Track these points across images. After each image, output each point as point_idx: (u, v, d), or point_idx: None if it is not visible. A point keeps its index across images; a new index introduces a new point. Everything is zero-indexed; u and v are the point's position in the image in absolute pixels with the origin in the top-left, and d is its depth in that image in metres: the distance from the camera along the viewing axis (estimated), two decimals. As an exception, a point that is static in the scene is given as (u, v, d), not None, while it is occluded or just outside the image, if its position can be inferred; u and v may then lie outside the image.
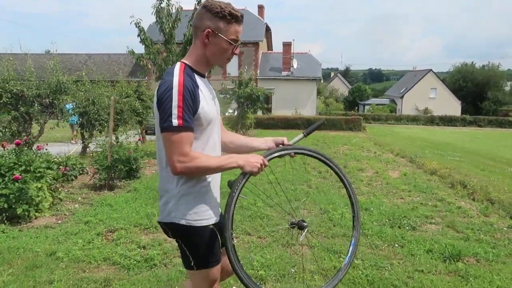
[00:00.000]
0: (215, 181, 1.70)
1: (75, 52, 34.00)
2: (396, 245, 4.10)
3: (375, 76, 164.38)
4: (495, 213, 5.81)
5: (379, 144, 16.29)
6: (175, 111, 1.47)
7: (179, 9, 8.93)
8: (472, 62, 52.21)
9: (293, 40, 29.49)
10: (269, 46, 34.92)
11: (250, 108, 16.84)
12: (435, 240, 4.24)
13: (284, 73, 29.31)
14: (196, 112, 1.54)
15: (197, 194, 1.61)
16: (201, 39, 1.60)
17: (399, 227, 4.76)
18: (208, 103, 1.62)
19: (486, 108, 45.97)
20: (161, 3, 8.58)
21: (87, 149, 9.99)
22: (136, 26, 8.39)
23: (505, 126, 36.71)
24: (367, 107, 46.38)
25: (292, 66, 29.09)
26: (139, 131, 13.88)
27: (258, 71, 29.85)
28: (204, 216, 1.63)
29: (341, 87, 60.98)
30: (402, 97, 44.78)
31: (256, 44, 29.39)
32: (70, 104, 9.47)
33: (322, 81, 32.88)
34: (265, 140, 1.94)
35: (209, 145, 1.65)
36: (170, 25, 9.10)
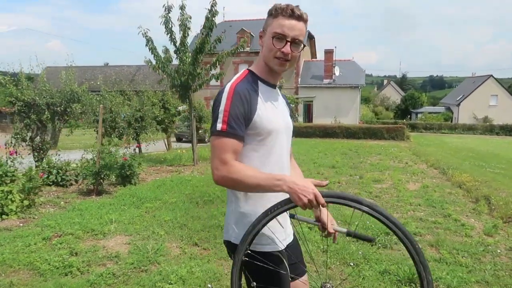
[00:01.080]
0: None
1: (127, 64, 35.86)
2: (351, 263, 3.73)
3: (436, 83, 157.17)
4: (505, 232, 5.20)
5: (417, 154, 15.37)
6: (221, 115, 1.41)
7: (188, 18, 9.00)
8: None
9: (335, 47, 28.77)
10: (313, 54, 34.53)
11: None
12: (399, 260, 3.80)
13: (326, 80, 28.72)
14: (251, 119, 1.44)
15: (255, 215, 1.44)
16: (259, 42, 1.57)
17: (372, 244, 4.35)
18: (269, 112, 1.50)
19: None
20: (169, 12, 8.71)
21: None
22: (143, 36, 8.60)
23: None
24: (419, 116, 44.08)
25: (334, 74, 28.43)
26: (164, 139, 14.23)
27: (299, 79, 29.59)
28: (264, 241, 1.47)
29: (394, 95, 58.69)
30: (458, 105, 42.05)
31: (297, 52, 29.13)
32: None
33: (362, 87, 31.77)
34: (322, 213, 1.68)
35: (271, 161, 1.50)
36: (182, 34, 9.22)
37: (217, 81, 10.14)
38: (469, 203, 6.98)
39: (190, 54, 9.25)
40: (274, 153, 1.51)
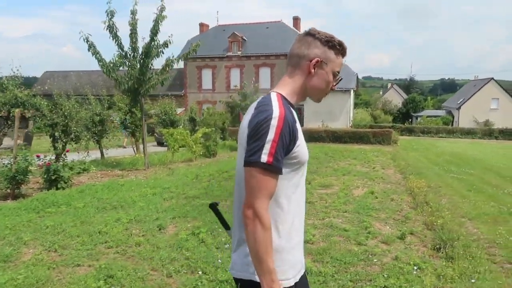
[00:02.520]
0: (300, 237, 1.53)
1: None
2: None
3: (447, 86, 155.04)
4: (411, 240, 5.12)
5: (394, 159, 15.19)
6: (268, 145, 1.30)
7: (133, 23, 9.02)
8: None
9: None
10: (308, 58, 34.38)
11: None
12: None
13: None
14: (291, 150, 1.38)
15: (282, 249, 1.42)
16: (306, 68, 1.48)
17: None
18: (303, 141, 1.46)
19: (561, 121, 40.99)
20: (112, 17, 8.74)
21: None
22: (84, 41, 8.64)
23: None
24: (418, 119, 43.54)
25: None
26: (133, 143, 14.28)
27: (290, 83, 29.46)
28: (287, 275, 1.44)
29: (396, 98, 58.14)
30: (458, 108, 41.42)
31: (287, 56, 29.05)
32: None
33: (356, 91, 31.53)
34: None
35: (299, 190, 1.48)
36: (131, 39, 9.24)
37: (162, 86, 10.11)
38: (404, 210, 6.86)
39: (138, 59, 9.24)
40: (303, 181, 1.51)
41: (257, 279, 1.37)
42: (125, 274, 3.45)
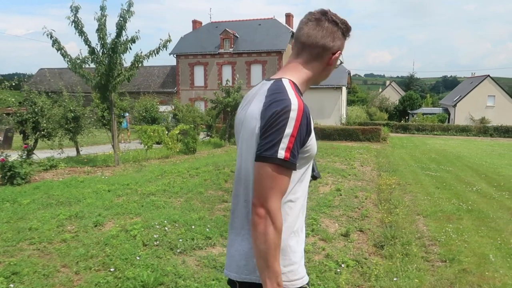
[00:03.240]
0: (304, 233, 1.45)
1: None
2: None
3: (449, 83, 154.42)
4: (365, 235, 5.11)
5: (378, 156, 15.15)
6: (285, 140, 1.19)
7: (99, 18, 8.93)
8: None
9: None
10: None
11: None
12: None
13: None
14: (305, 143, 1.27)
15: (291, 247, 1.34)
16: (327, 60, 1.39)
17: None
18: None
19: (559, 118, 40.72)
20: (77, 13, 8.66)
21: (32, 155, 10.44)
22: (48, 37, 8.57)
23: None
24: (415, 117, 43.32)
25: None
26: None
27: (281, 80, 29.35)
28: (300, 274, 1.35)
29: (394, 96, 57.90)
30: (454, 105, 41.20)
31: (279, 53, 28.96)
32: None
33: (349, 88, 31.41)
34: None
35: (303, 186, 1.39)
36: (99, 35, 9.16)
37: (128, 82, 10.04)
38: (364, 207, 6.82)
39: (106, 55, 9.17)
40: (308, 175, 1.41)
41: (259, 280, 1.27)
42: (31, 271, 3.40)
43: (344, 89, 28.55)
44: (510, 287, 3.65)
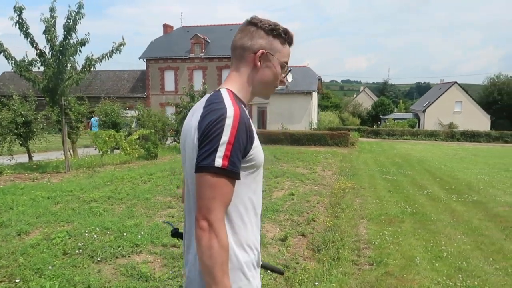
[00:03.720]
0: (258, 248, 1.36)
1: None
2: None
3: (423, 90, 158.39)
4: (306, 240, 5.06)
5: (343, 161, 15.28)
6: (222, 148, 1.15)
7: (46, 19, 8.67)
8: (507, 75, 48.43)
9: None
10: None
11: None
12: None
13: (279, 87, 28.50)
14: (248, 152, 1.23)
15: (243, 263, 1.26)
16: (251, 61, 1.34)
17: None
18: (258, 141, 1.32)
19: (523, 123, 42.35)
20: (21, 13, 8.38)
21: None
22: (-10, 38, 8.26)
23: (536, 142, 33.32)
24: (384, 122, 44.15)
25: (287, 80, 28.27)
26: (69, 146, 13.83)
27: (252, 85, 29.40)
28: None
29: (367, 102, 58.94)
30: (424, 111, 42.24)
31: (250, 58, 29.00)
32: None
33: (320, 93, 31.78)
34: None
35: (258, 196, 1.34)
36: (47, 37, 8.89)
37: (77, 86, 9.78)
38: (313, 212, 6.80)
39: (54, 58, 8.89)
40: (260, 186, 1.35)
41: None
42: None
43: (314, 95, 28.79)
44: (427, 290, 3.66)
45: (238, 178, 1.20)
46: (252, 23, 1.35)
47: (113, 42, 9.37)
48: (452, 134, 35.69)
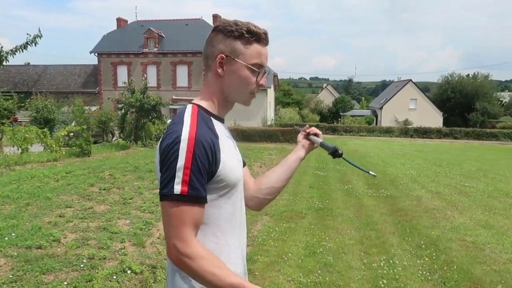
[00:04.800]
0: (240, 271, 1.28)
1: (34, 63, 33.95)
2: None
3: (388, 87, 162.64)
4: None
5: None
6: (179, 173, 1.09)
7: None
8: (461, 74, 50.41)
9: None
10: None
11: (144, 118, 15.97)
12: None
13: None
14: (215, 172, 1.15)
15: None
16: (214, 69, 1.23)
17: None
18: (232, 158, 1.23)
19: (473, 120, 44.03)
20: None
21: None
22: None
23: (483, 138, 34.80)
24: (341, 119, 44.94)
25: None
26: None
27: (207, 82, 29.07)
28: None
29: (329, 98, 59.79)
30: (381, 108, 43.24)
31: (204, 54, 28.66)
32: None
33: (279, 90, 31.93)
34: (299, 146, 1.63)
35: (236, 217, 1.27)
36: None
37: None
38: None
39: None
40: (239, 206, 1.27)
41: None
42: None
43: (269, 91, 28.80)
44: None
45: (204, 201, 1.13)
46: (214, 28, 1.24)
47: (27, 33, 8.90)
48: (406, 131, 36.73)
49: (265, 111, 27.47)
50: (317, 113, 48.80)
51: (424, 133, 36.08)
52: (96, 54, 29.53)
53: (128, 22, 32.55)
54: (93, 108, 22.55)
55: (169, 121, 28.23)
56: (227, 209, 1.22)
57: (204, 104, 1.24)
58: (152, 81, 29.59)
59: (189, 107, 1.22)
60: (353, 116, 43.93)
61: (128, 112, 15.93)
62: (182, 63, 28.99)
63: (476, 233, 5.37)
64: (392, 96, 43.06)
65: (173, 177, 1.09)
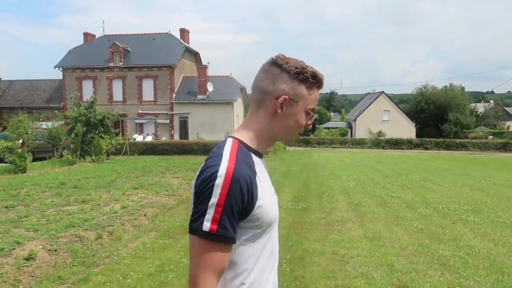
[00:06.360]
0: None
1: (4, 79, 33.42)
2: None
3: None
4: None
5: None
6: (211, 210, 1.03)
7: None
8: (433, 85, 51.27)
9: (208, 63, 28.78)
10: (202, 70, 34.17)
11: (91, 133, 15.65)
12: None
13: (200, 96, 28.26)
14: (250, 211, 1.09)
15: None
16: (272, 108, 1.18)
17: None
18: (270, 197, 1.16)
19: (447, 130, 44.57)
20: None
21: None
22: None
23: (452, 148, 35.16)
24: (316, 132, 45.07)
25: (208, 90, 28.08)
26: None
27: (174, 95, 28.92)
28: None
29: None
30: (355, 120, 43.54)
31: (170, 68, 28.56)
32: None
33: (247, 104, 31.90)
34: None
35: (264, 260, 1.17)
36: None
37: None
38: (138, 220, 6.45)
39: None
40: (271, 245, 1.20)
41: None
42: None
43: (236, 104, 28.74)
44: None
45: (233, 242, 1.09)
46: (277, 64, 1.20)
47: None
48: (377, 142, 36.94)
49: (231, 124, 27.31)
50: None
51: (395, 144, 36.32)
52: (60, 68, 29.18)
53: (96, 37, 32.34)
54: (57, 124, 22.11)
55: (138, 137, 27.72)
56: (258, 248, 1.17)
57: (245, 138, 1.20)
58: (118, 95, 29.37)
59: (229, 141, 1.18)
60: (328, 128, 44.15)
61: (76, 127, 15.60)
62: (148, 77, 28.80)
63: (355, 246, 5.21)
64: (366, 108, 43.40)
65: (204, 213, 1.06)
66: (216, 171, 1.07)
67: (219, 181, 1.05)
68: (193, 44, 32.93)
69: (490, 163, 21.36)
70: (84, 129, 15.25)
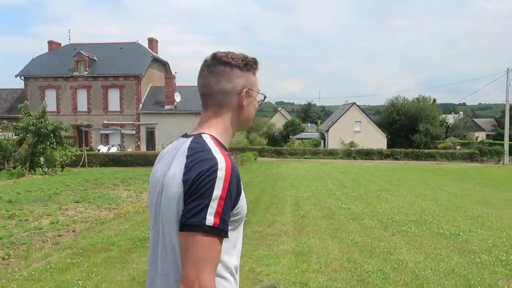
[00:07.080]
0: None
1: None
2: None
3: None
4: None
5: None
6: (214, 204, 1.01)
7: None
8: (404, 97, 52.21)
9: (176, 73, 28.43)
10: (169, 80, 33.67)
11: (43, 144, 14.95)
12: None
13: (167, 107, 27.76)
14: (236, 205, 1.09)
15: None
16: (235, 103, 1.23)
17: None
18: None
19: (417, 141, 45.26)
20: None
21: None
22: None
23: (421, 158, 35.68)
24: (288, 143, 45.10)
25: (175, 100, 27.62)
26: None
27: (140, 105, 28.32)
28: None
29: (282, 122, 60.26)
30: (327, 131, 43.79)
31: (137, 78, 28.01)
32: None
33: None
34: None
35: (235, 254, 1.18)
36: None
37: None
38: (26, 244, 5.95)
39: None
40: (241, 238, 1.21)
41: None
42: None
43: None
44: None
45: (226, 237, 1.06)
46: (224, 62, 1.21)
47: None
48: (348, 153, 37.15)
49: (200, 135, 26.92)
50: (268, 137, 48.84)
51: (366, 154, 36.60)
52: (22, 77, 28.21)
53: (61, 45, 31.51)
54: (10, 135, 21.19)
55: (103, 148, 26.89)
56: (233, 242, 1.14)
57: (218, 135, 1.20)
58: (82, 106, 28.56)
59: (207, 137, 1.15)
60: (301, 139, 44.23)
61: (26, 137, 14.89)
62: (114, 86, 28.13)
63: (277, 262, 4.88)
64: (338, 119, 43.75)
65: (206, 206, 1.01)
66: (215, 164, 1.04)
67: (221, 173, 1.03)
68: (172, 55, 32.59)
69: (453, 173, 21.62)
70: (35, 139, 14.54)
